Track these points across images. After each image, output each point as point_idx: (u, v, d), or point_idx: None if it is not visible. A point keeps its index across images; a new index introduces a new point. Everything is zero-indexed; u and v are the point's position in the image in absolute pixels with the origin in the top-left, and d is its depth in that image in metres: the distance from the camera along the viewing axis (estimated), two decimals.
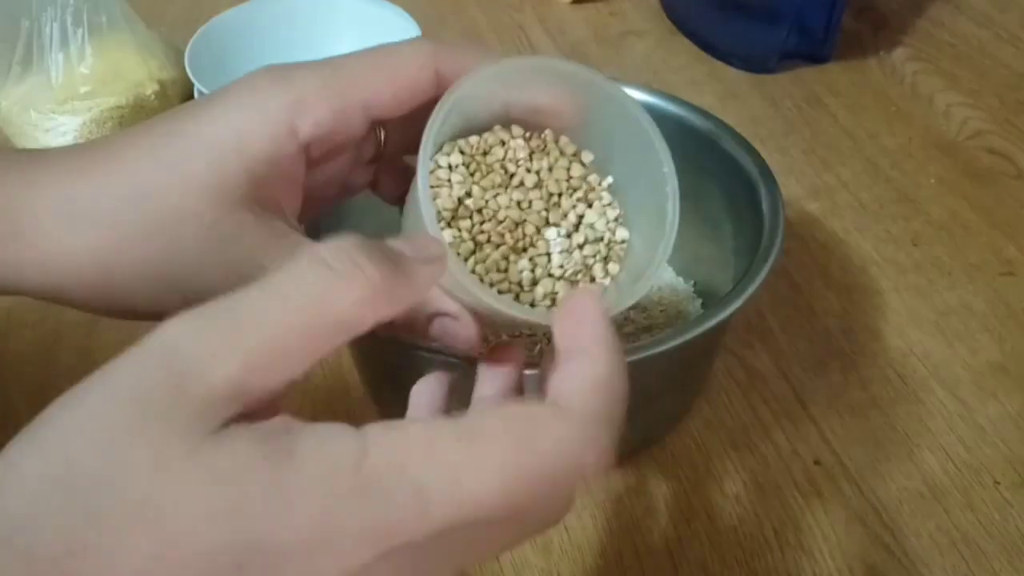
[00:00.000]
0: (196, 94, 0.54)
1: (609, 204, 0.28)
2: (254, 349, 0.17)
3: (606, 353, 0.21)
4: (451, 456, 0.17)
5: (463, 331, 0.24)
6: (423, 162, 0.24)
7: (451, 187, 0.26)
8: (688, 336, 0.32)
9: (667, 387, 0.39)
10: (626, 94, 0.26)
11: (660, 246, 0.26)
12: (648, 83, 0.61)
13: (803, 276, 0.50)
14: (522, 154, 0.27)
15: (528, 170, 0.27)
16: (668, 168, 0.26)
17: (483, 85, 0.25)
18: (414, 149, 0.25)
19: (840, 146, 0.59)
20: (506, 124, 0.27)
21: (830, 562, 0.37)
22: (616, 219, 0.28)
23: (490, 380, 0.24)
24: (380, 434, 0.17)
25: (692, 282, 0.46)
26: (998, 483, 0.39)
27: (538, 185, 0.27)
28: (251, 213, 0.25)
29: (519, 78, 0.26)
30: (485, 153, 0.27)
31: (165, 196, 0.24)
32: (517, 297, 0.25)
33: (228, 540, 0.16)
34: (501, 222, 0.26)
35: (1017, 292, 0.48)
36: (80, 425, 0.17)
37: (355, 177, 0.31)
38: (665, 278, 0.46)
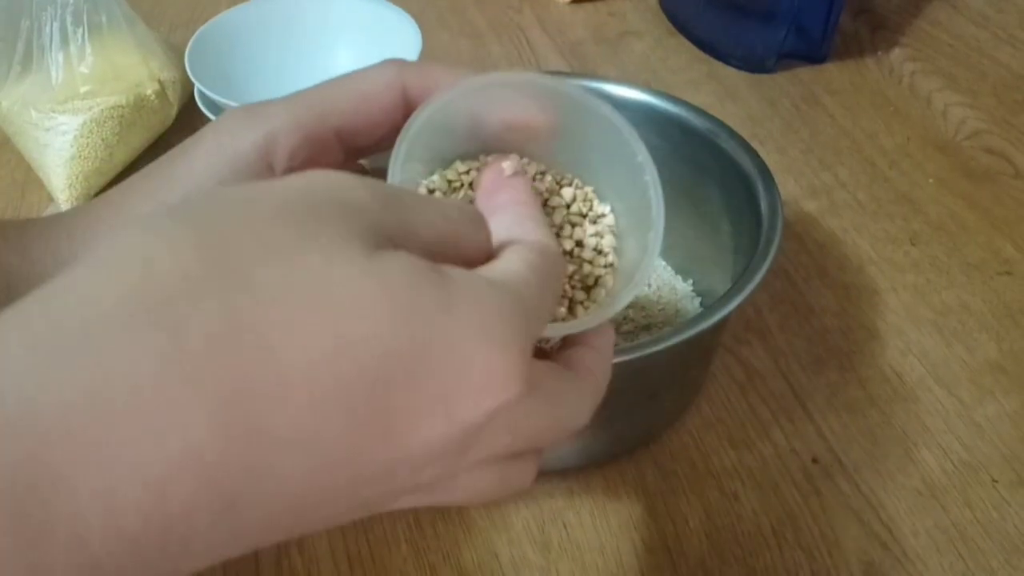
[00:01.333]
0: (196, 94, 0.54)
1: (600, 217, 0.28)
2: (408, 217, 0.18)
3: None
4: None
5: None
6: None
7: None
8: (687, 335, 0.33)
9: (666, 385, 0.39)
10: (591, 96, 0.26)
11: (650, 236, 0.26)
12: (647, 83, 0.61)
13: (801, 275, 0.50)
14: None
15: None
16: (643, 157, 0.26)
17: (447, 107, 0.25)
18: None
19: (838, 146, 0.59)
20: (475, 151, 0.27)
21: (828, 560, 0.37)
22: (604, 226, 0.28)
23: None
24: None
25: (690, 281, 0.46)
26: (996, 481, 0.40)
27: None
28: None
29: (480, 98, 0.26)
30: (457, 188, 0.27)
31: None
32: None
33: (403, 341, 0.15)
34: None
35: (1015, 291, 0.49)
36: (244, 209, 0.16)
37: None
38: (664, 277, 0.46)
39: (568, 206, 0.28)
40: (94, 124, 0.54)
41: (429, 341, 0.16)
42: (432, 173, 0.27)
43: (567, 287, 0.26)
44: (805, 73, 0.66)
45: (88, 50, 0.54)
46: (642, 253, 0.26)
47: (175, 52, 0.59)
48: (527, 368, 0.18)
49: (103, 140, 0.54)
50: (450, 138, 0.26)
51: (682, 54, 0.68)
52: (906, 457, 0.41)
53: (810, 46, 0.65)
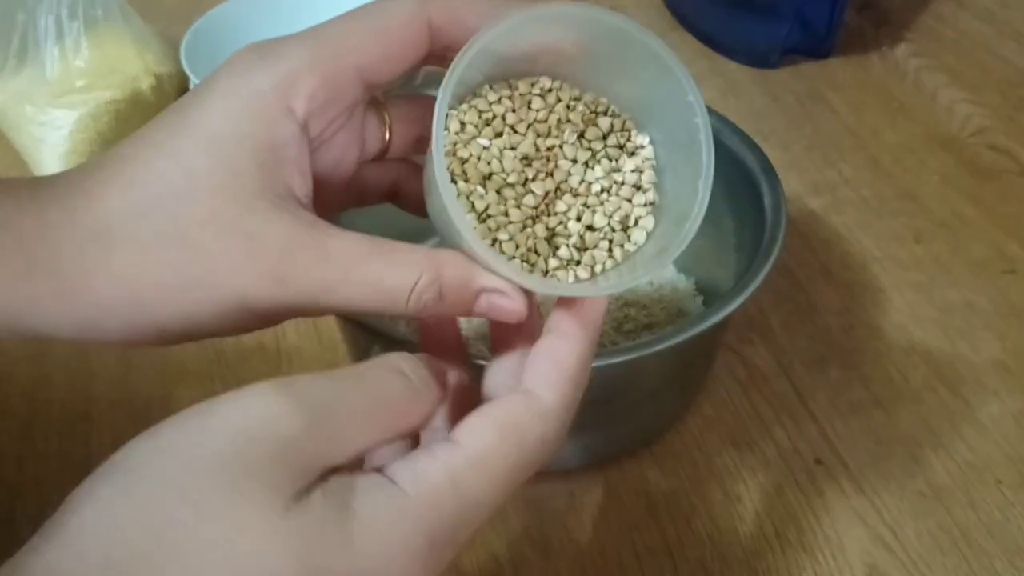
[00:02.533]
0: (191, 88, 0.54)
1: (639, 149, 0.26)
2: (342, 437, 0.20)
3: (584, 344, 0.23)
4: (472, 488, 0.21)
5: (510, 304, 0.24)
6: (438, 129, 0.23)
7: (468, 147, 0.25)
8: (689, 334, 0.32)
9: (668, 385, 0.39)
10: (646, 32, 0.25)
11: (700, 183, 0.24)
12: None
13: (805, 273, 0.49)
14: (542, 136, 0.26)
15: (552, 134, 0.26)
16: (693, 96, 0.25)
17: (498, 40, 0.23)
18: (422, 147, 0.24)
19: (842, 142, 0.58)
20: (503, 74, 0.26)
21: (831, 561, 0.36)
22: (643, 159, 0.26)
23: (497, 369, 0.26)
24: (410, 481, 0.20)
25: (693, 279, 0.45)
26: (1000, 482, 0.39)
27: (559, 145, 0.26)
28: (270, 204, 0.23)
29: (528, 29, 0.24)
30: (489, 120, 0.26)
31: (177, 202, 0.23)
32: (571, 264, 0.25)
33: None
34: (531, 178, 0.25)
35: (1019, 289, 0.48)
36: (179, 476, 0.18)
37: (368, 178, 0.29)
38: (666, 275, 0.46)
39: (605, 136, 0.26)
40: (90, 119, 0.53)
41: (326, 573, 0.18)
42: (462, 102, 0.25)
43: (606, 227, 0.26)
44: (809, 69, 0.65)
45: (84, 44, 0.53)
46: (689, 199, 0.24)
47: (171, 46, 0.58)
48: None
49: (99, 135, 0.54)
50: (479, 64, 0.24)
51: (685, 49, 0.67)
52: (910, 458, 0.40)
53: (814, 41, 0.64)
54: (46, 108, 0.53)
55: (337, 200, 0.28)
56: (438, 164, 0.23)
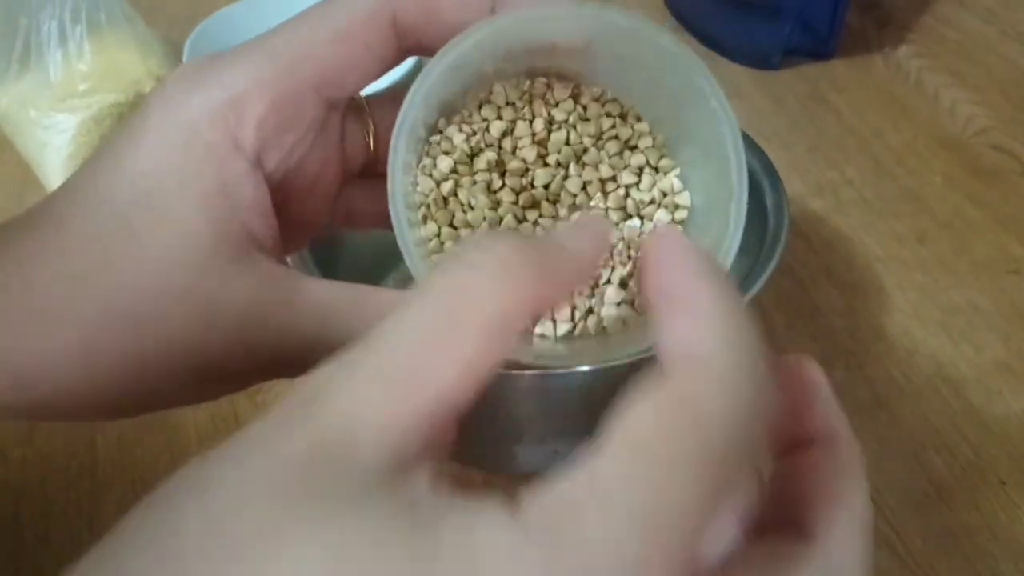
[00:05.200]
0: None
1: (662, 161, 0.22)
2: (419, 405, 0.14)
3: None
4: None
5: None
6: (393, 174, 0.19)
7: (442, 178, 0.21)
8: None
9: None
10: (649, 26, 0.20)
11: (732, 207, 0.20)
12: None
13: (807, 274, 0.49)
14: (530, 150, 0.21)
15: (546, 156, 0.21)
16: (717, 102, 0.20)
17: (473, 50, 0.19)
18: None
19: (845, 143, 0.58)
20: (488, 77, 0.22)
21: None
22: (672, 182, 0.22)
23: None
24: (543, 527, 0.13)
25: None
26: (1004, 483, 0.39)
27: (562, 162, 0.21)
28: (227, 262, 0.20)
29: (523, 29, 0.20)
30: (481, 151, 0.22)
31: (120, 272, 0.20)
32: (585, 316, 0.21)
33: None
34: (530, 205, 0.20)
35: (1023, 291, 0.48)
36: (240, 491, 0.14)
37: (358, 200, 0.25)
38: None
39: (626, 147, 0.21)
40: (93, 122, 0.53)
41: None
42: (450, 115, 0.22)
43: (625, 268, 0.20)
44: (811, 70, 0.65)
45: (87, 48, 0.53)
46: (720, 226, 0.20)
47: (174, 50, 0.58)
48: None
49: (102, 138, 0.54)
50: (462, 71, 0.20)
51: None
52: (913, 459, 0.40)
53: (816, 42, 0.64)
54: (49, 112, 0.53)
55: (319, 222, 0.24)
56: (400, 235, 0.19)
